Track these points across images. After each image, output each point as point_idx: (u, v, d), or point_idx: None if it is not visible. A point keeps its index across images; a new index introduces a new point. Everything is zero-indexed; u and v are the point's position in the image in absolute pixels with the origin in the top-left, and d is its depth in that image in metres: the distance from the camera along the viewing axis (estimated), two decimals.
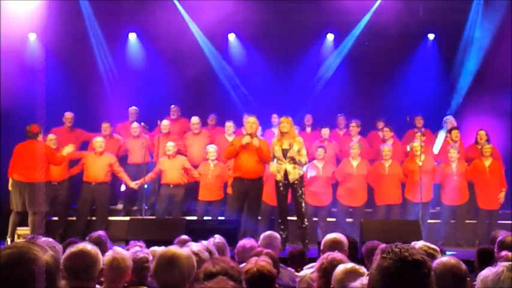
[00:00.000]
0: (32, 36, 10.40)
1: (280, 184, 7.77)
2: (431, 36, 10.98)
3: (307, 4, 10.47)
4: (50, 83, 10.23)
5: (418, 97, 10.45)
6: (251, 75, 10.88)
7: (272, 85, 10.75)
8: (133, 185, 9.04)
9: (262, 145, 8.00)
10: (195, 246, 3.99)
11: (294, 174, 7.71)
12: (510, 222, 8.32)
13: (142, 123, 9.57)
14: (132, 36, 10.99)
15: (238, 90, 10.93)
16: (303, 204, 7.79)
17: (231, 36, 11.15)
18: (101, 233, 5.02)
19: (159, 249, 4.17)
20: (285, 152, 7.72)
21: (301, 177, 7.82)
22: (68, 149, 8.51)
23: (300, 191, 7.75)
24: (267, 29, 10.77)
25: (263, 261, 3.30)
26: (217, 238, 4.90)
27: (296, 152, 7.69)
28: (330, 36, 11.12)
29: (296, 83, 10.81)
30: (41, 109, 9.88)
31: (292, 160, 7.70)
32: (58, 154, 8.47)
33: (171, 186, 9.08)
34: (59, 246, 3.76)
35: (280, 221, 7.86)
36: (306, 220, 7.82)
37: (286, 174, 7.71)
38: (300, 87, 10.83)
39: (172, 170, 9.08)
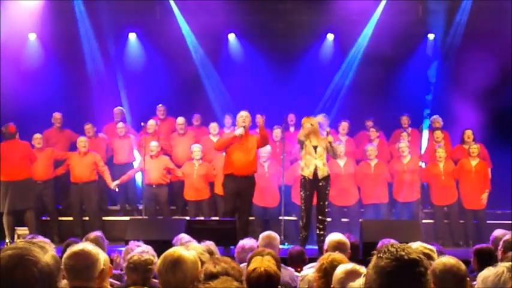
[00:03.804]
0: (32, 36, 10.40)
1: (306, 182, 7.60)
2: (431, 36, 10.99)
3: (307, 4, 10.47)
4: (48, 83, 10.28)
5: (417, 97, 10.46)
6: (251, 75, 10.87)
7: (271, 85, 10.74)
8: (113, 186, 9.03)
9: (254, 138, 7.94)
10: (198, 247, 3.98)
11: (323, 170, 7.61)
12: (510, 222, 8.31)
13: (142, 123, 9.54)
14: (132, 36, 10.99)
15: (237, 90, 10.94)
16: (327, 204, 7.70)
17: (231, 36, 11.15)
18: (98, 233, 5.02)
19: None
20: (315, 148, 7.62)
21: (329, 176, 7.71)
22: None
23: (327, 190, 7.64)
24: (267, 29, 10.77)
25: (268, 261, 3.29)
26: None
27: (324, 149, 7.60)
28: (330, 36, 11.11)
29: (295, 83, 10.80)
30: (39, 110, 9.93)
31: (329, 153, 7.63)
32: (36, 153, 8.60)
33: (154, 186, 9.04)
34: (53, 247, 3.74)
35: (303, 220, 7.64)
36: (325, 222, 7.68)
37: (315, 170, 7.59)
38: (299, 87, 10.82)
39: (154, 170, 9.02)
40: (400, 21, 10.09)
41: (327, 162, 7.81)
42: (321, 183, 7.63)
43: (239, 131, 7.83)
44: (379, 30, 10.34)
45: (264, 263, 3.26)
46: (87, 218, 9.15)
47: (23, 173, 8.27)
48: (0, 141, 8.46)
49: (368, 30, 10.70)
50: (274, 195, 8.81)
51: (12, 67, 9.50)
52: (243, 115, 7.95)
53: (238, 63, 11.06)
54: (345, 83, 10.86)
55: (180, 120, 9.77)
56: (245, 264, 3.96)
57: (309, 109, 10.30)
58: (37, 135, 8.98)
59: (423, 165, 9.06)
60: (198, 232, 5.98)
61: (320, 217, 7.67)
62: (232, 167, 7.89)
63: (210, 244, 4.64)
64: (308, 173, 7.61)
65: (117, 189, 9.22)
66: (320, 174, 7.60)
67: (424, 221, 8.86)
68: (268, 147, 8.76)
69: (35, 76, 10.16)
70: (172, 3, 10.62)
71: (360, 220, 7.81)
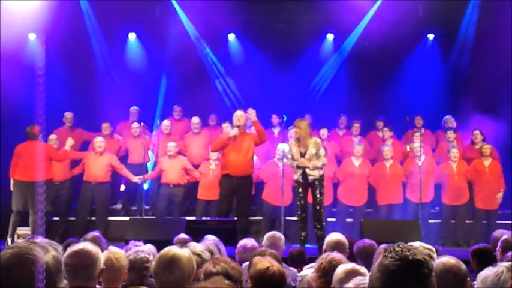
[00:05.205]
0: (32, 36, 10.39)
1: (298, 184, 7.64)
2: (431, 36, 10.99)
3: (307, 4, 10.47)
4: (50, 83, 10.26)
5: (418, 97, 10.46)
6: (251, 75, 10.87)
7: (272, 85, 10.75)
8: (137, 179, 9.06)
9: (251, 137, 7.97)
10: (198, 246, 3.99)
11: (313, 174, 7.58)
12: (510, 222, 8.32)
13: (142, 123, 9.57)
14: (132, 36, 11.00)
15: (237, 91, 10.96)
16: (322, 205, 7.66)
17: (231, 36, 11.15)
18: (95, 233, 5.02)
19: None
20: (302, 155, 7.61)
21: (322, 177, 7.67)
22: (70, 143, 8.57)
23: (319, 191, 7.60)
24: (267, 29, 10.77)
25: (276, 263, 3.29)
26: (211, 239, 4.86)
27: (313, 155, 7.58)
28: (330, 36, 11.13)
29: (296, 82, 10.82)
30: (41, 110, 9.90)
31: (307, 166, 7.58)
32: (60, 151, 8.54)
33: (171, 186, 9.12)
34: (60, 248, 3.75)
35: (299, 220, 7.69)
36: (323, 221, 7.64)
37: (304, 175, 7.58)
38: (299, 87, 10.84)
39: (172, 170, 9.12)
40: (400, 21, 10.08)
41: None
42: (312, 186, 7.63)
43: (233, 131, 7.88)
44: (379, 30, 10.31)
45: (274, 263, 3.25)
46: (93, 218, 9.14)
47: (38, 176, 8.19)
48: (23, 141, 8.43)
49: (366, 31, 10.70)
50: (286, 194, 8.78)
51: (13, 67, 9.48)
52: (238, 114, 7.98)
53: (238, 63, 11.07)
54: (343, 82, 10.86)
55: (195, 119, 9.83)
56: (247, 264, 3.96)
57: (308, 109, 10.36)
58: (52, 136, 8.97)
59: (420, 163, 8.99)
60: (198, 232, 5.96)
61: (317, 218, 7.65)
62: (228, 168, 7.94)
63: (210, 244, 4.63)
64: (297, 178, 7.65)
65: (123, 188, 9.21)
66: (310, 179, 7.60)
67: (430, 220, 8.87)
68: (286, 147, 8.74)
69: (37, 76, 10.13)
70: (174, 2, 10.61)
71: (360, 220, 7.81)
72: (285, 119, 8.42)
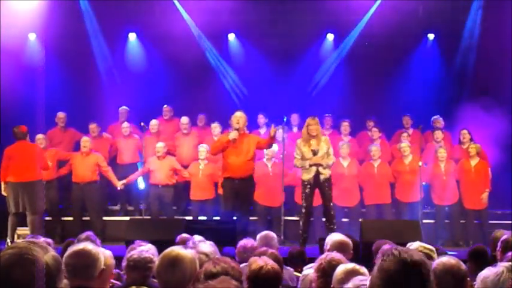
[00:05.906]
0: (32, 36, 10.40)
1: (307, 184, 7.60)
2: (431, 36, 10.99)
3: (307, 4, 10.47)
4: (48, 83, 10.27)
5: (417, 97, 10.47)
6: (251, 75, 10.87)
7: (272, 85, 10.75)
8: (119, 185, 9.05)
9: (253, 139, 7.98)
10: (207, 246, 3.98)
11: (325, 173, 7.59)
12: (510, 222, 8.31)
13: (142, 124, 9.55)
14: (132, 36, 11.00)
15: (237, 91, 10.96)
16: (332, 205, 7.67)
17: (231, 36, 11.15)
18: (88, 233, 5.03)
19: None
20: (315, 153, 7.58)
21: (330, 177, 7.69)
22: (49, 164, 8.59)
23: (329, 191, 7.61)
24: (267, 29, 10.77)
25: (271, 261, 3.30)
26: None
27: (325, 153, 7.58)
28: (330, 36, 11.12)
29: (296, 83, 10.81)
30: (40, 110, 9.92)
31: (320, 164, 7.56)
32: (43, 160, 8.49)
33: (160, 186, 9.09)
34: (52, 246, 3.75)
35: (302, 221, 7.66)
36: (334, 221, 7.64)
37: (317, 174, 7.57)
38: (300, 88, 10.83)
39: (160, 170, 9.08)
40: (400, 21, 10.09)
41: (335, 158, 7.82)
42: (322, 186, 7.62)
43: (233, 134, 7.81)
44: (378, 30, 10.34)
45: (268, 261, 3.26)
46: (87, 218, 9.13)
47: (34, 175, 8.19)
48: (11, 142, 8.42)
49: (366, 30, 10.70)
50: (278, 194, 8.79)
51: (13, 67, 9.49)
52: (237, 116, 7.92)
53: (238, 63, 11.07)
54: (342, 82, 10.85)
55: (184, 120, 9.77)
56: (246, 264, 3.96)
57: (308, 109, 10.33)
58: (39, 136, 8.96)
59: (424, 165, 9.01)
60: (198, 232, 5.96)
61: (328, 218, 7.65)
62: (229, 170, 7.92)
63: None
64: (309, 178, 7.59)
65: (118, 188, 9.20)
66: (322, 178, 7.58)
67: (424, 221, 8.87)
68: (275, 147, 8.73)
69: (36, 76, 10.15)
70: (175, 2, 10.61)
71: (360, 220, 7.80)
72: (285, 120, 8.41)
